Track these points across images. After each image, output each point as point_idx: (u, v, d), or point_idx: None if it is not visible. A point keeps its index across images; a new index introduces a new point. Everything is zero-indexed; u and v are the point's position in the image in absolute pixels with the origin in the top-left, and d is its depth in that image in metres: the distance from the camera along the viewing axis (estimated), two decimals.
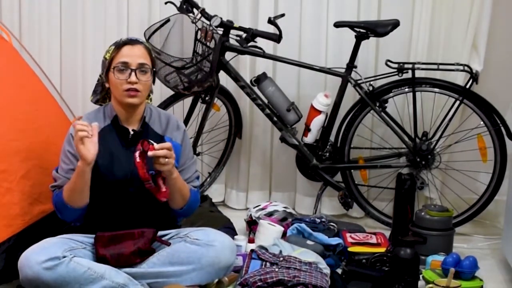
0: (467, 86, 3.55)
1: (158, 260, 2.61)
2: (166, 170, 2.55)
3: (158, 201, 2.60)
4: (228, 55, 3.71)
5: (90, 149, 2.52)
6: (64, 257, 2.45)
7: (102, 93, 2.84)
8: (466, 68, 3.54)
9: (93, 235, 2.63)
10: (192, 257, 2.59)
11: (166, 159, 2.53)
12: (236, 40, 3.62)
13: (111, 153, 2.68)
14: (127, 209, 2.68)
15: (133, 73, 2.66)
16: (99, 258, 2.56)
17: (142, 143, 2.52)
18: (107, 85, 2.75)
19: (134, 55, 2.69)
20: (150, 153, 2.50)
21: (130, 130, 2.73)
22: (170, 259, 2.60)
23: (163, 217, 2.78)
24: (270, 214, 3.54)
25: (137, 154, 2.50)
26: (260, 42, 3.67)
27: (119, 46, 2.71)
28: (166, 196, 2.59)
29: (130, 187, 2.66)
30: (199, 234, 2.64)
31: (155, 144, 2.52)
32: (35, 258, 2.43)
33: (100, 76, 2.80)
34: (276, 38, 3.53)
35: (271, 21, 3.54)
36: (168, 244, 2.64)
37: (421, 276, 2.84)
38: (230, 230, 3.36)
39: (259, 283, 2.58)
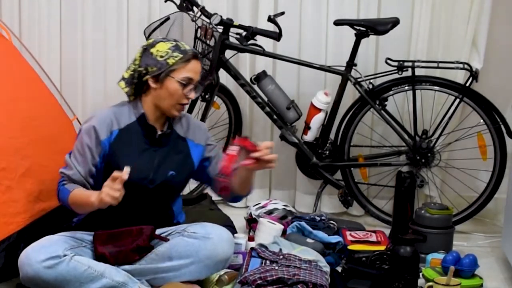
0: (467, 84, 3.55)
1: (156, 256, 2.61)
2: (260, 169, 2.58)
3: (171, 199, 2.73)
4: (228, 53, 3.71)
5: (115, 201, 2.45)
6: (65, 255, 2.45)
7: (132, 86, 2.70)
8: (466, 66, 3.54)
9: (93, 233, 2.63)
10: (190, 250, 2.59)
11: (272, 163, 2.54)
12: (236, 38, 3.62)
13: (134, 151, 2.67)
14: (138, 206, 2.68)
15: (193, 91, 2.66)
16: (98, 256, 2.56)
17: (244, 140, 2.49)
18: (153, 85, 2.64)
19: (198, 71, 2.68)
20: (256, 154, 2.48)
21: (158, 131, 2.70)
22: (168, 254, 2.60)
23: (169, 214, 2.80)
24: (270, 212, 3.54)
25: (236, 148, 2.48)
26: (260, 40, 3.66)
27: (188, 59, 2.63)
28: (228, 191, 2.70)
29: (149, 185, 2.67)
30: (196, 228, 2.66)
31: (259, 143, 2.49)
32: (36, 256, 2.43)
33: (139, 67, 2.65)
34: (276, 36, 3.53)
35: (271, 19, 3.54)
36: (167, 240, 2.64)
37: (421, 274, 2.84)
38: (230, 228, 3.35)
39: (259, 281, 2.58)
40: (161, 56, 2.62)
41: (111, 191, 2.41)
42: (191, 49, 2.67)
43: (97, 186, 2.64)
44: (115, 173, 2.43)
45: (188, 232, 2.64)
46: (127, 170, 2.44)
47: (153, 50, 2.64)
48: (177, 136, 2.76)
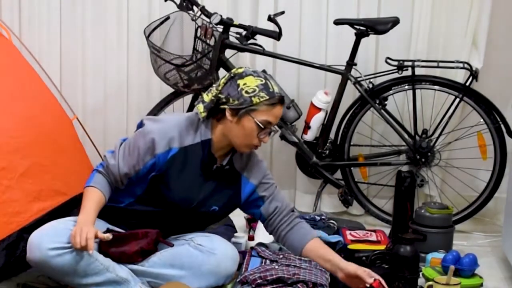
0: (467, 84, 3.55)
1: (159, 260, 2.60)
2: None
3: (202, 226, 2.74)
4: (228, 53, 3.71)
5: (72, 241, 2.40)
6: None
7: (209, 110, 2.56)
8: (466, 65, 3.54)
9: (106, 224, 2.62)
10: (193, 262, 2.59)
11: None
12: (236, 38, 3.62)
13: (186, 175, 2.59)
14: (169, 222, 2.66)
15: (268, 135, 2.56)
16: (101, 253, 2.55)
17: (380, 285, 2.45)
18: (229, 118, 2.52)
19: (279, 117, 2.56)
20: None
21: (218, 163, 2.62)
22: (171, 261, 2.59)
23: (202, 228, 2.80)
24: None
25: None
26: (260, 39, 3.66)
27: (274, 103, 2.51)
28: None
29: (190, 212, 2.64)
30: (203, 240, 2.63)
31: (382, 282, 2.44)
32: (46, 243, 2.40)
33: (220, 94, 2.52)
34: (276, 35, 3.53)
35: (271, 19, 3.54)
36: (171, 245, 2.63)
37: (421, 273, 2.84)
38: (230, 227, 3.35)
39: (258, 281, 2.58)
40: (247, 92, 2.48)
41: (81, 235, 2.38)
42: (279, 92, 2.53)
43: (131, 189, 2.62)
44: (100, 234, 2.42)
45: (194, 243, 2.62)
46: (109, 236, 2.44)
47: (240, 81, 2.50)
48: (233, 170, 2.67)
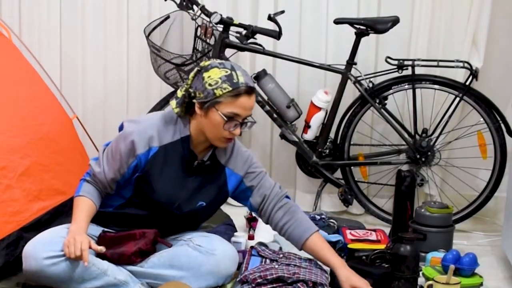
0: (467, 83, 3.55)
1: (158, 260, 2.59)
2: None
3: (194, 223, 2.72)
4: (228, 52, 3.71)
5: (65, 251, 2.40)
6: None
7: (183, 105, 2.56)
8: (466, 64, 3.54)
9: (100, 228, 2.62)
10: (192, 263, 2.58)
11: None
12: (236, 37, 3.62)
13: (169, 173, 2.58)
14: (160, 222, 2.65)
15: (239, 127, 2.50)
16: (100, 255, 2.55)
17: None
18: (198, 112, 2.51)
19: (248, 107, 2.49)
20: None
21: (198, 159, 2.60)
22: (170, 261, 2.59)
23: (195, 226, 2.79)
24: None
25: None
26: (260, 39, 3.66)
27: (238, 94, 2.46)
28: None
29: (176, 211, 2.63)
30: (202, 241, 2.62)
31: None
32: (41, 252, 2.40)
33: (190, 88, 2.53)
34: (276, 35, 3.53)
35: (271, 18, 3.54)
36: (170, 246, 2.63)
37: (421, 272, 2.83)
38: (230, 227, 3.36)
39: (258, 280, 2.58)
40: (210, 85, 2.46)
41: (75, 245, 2.38)
42: (245, 83, 2.47)
43: (121, 193, 2.64)
44: (93, 245, 2.42)
45: (193, 244, 2.61)
46: (102, 249, 2.44)
47: (205, 74, 2.49)
48: (216, 164, 2.65)
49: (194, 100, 2.51)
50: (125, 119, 2.68)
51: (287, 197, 2.75)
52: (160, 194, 2.59)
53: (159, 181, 2.57)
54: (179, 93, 2.56)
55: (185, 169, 2.61)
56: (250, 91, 2.49)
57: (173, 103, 2.56)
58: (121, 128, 2.64)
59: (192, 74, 2.55)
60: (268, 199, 2.71)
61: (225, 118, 2.48)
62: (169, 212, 2.63)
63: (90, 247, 2.42)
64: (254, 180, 2.71)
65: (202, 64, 2.55)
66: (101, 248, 2.46)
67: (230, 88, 2.46)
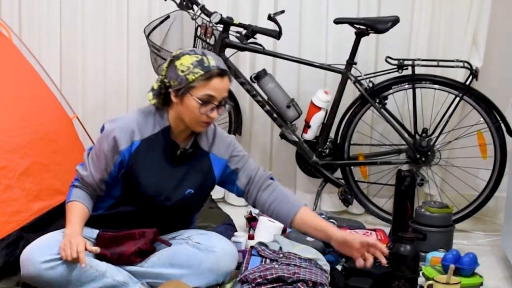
0: (467, 83, 3.55)
1: (158, 260, 2.60)
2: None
3: (190, 213, 2.74)
4: (228, 52, 3.71)
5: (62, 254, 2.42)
6: None
7: (160, 97, 2.61)
8: (466, 64, 3.54)
9: (94, 230, 2.63)
10: (192, 261, 2.58)
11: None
12: (236, 37, 3.62)
13: (153, 165, 2.61)
14: (156, 217, 2.66)
15: (215, 109, 2.54)
16: (99, 256, 2.55)
17: None
18: (174, 100, 2.55)
19: (222, 89, 2.53)
20: None
21: (181, 148, 2.63)
22: (170, 260, 2.59)
23: (188, 222, 2.79)
24: None
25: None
26: (260, 38, 3.66)
27: (210, 76, 2.50)
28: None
29: (165, 202, 2.63)
30: (201, 238, 2.63)
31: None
32: (38, 257, 2.42)
33: (165, 79, 2.57)
34: (276, 34, 3.53)
35: (271, 18, 3.54)
36: (169, 245, 2.63)
37: (421, 272, 2.83)
38: (230, 226, 3.36)
39: (258, 280, 2.58)
40: (182, 71, 2.51)
41: (71, 248, 2.39)
42: (216, 66, 2.51)
43: (111, 193, 2.65)
44: (88, 247, 2.43)
45: (192, 241, 2.62)
46: (97, 249, 2.46)
47: (177, 62, 2.53)
48: (200, 151, 2.68)
49: (170, 90, 2.56)
50: (106, 122, 2.70)
51: (271, 178, 2.77)
52: (147, 187, 2.60)
53: (144, 174, 2.59)
54: (155, 85, 2.61)
55: (168, 159, 2.63)
56: (222, 73, 2.53)
57: (149, 95, 2.61)
58: (102, 129, 2.66)
59: (165, 64, 2.60)
60: (254, 181, 2.73)
61: (200, 102, 2.51)
62: (158, 205, 2.63)
63: (86, 249, 2.43)
64: (238, 163, 2.74)
65: (174, 53, 2.59)
66: (96, 249, 2.47)
67: (202, 72, 2.50)
